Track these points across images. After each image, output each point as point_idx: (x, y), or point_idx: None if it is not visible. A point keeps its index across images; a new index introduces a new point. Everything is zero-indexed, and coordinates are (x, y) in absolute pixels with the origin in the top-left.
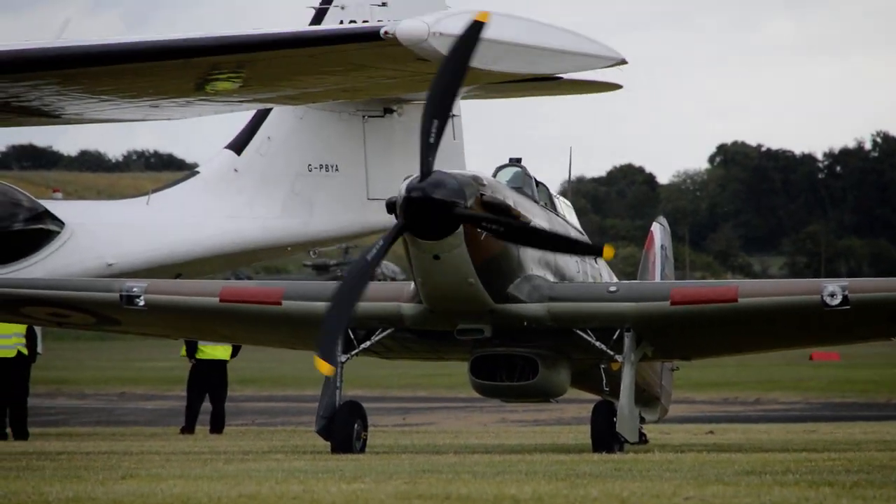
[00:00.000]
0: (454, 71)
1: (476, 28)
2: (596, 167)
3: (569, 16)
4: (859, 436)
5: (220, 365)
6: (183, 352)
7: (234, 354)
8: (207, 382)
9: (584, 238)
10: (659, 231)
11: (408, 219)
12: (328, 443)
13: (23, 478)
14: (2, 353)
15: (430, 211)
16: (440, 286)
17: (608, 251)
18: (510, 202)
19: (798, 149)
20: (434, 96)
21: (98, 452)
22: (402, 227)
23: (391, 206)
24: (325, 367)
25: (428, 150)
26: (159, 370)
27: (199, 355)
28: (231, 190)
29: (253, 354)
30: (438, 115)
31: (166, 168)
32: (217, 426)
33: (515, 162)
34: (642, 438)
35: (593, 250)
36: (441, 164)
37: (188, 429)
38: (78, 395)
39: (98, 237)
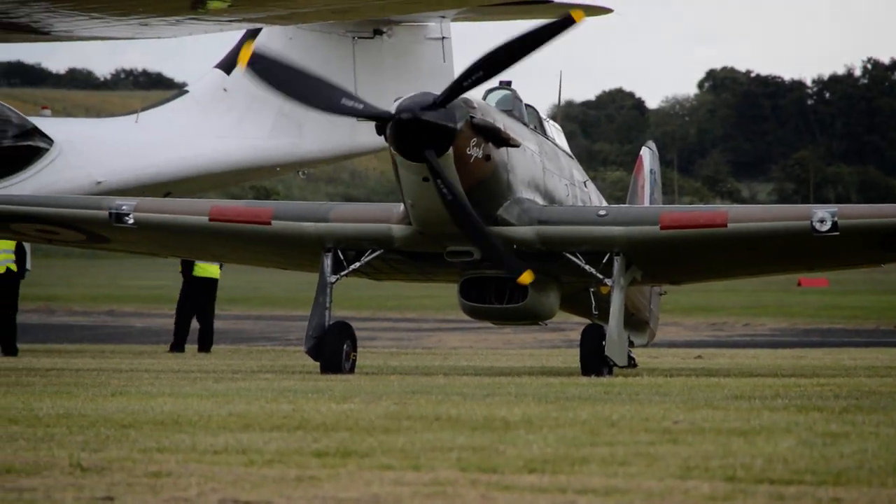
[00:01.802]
0: (526, 47)
1: (567, 23)
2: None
3: None
4: (848, 362)
5: (212, 283)
6: (180, 267)
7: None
8: (197, 301)
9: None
10: (648, 156)
11: (397, 140)
12: (317, 363)
13: (13, 393)
14: None
15: (419, 132)
16: (430, 208)
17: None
18: (500, 125)
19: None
20: (498, 54)
21: (88, 370)
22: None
23: (381, 128)
24: (527, 277)
25: (455, 88)
26: (148, 289)
27: (197, 272)
28: (220, 109)
29: (242, 275)
30: (487, 71)
31: (155, 87)
32: (205, 345)
33: (505, 85)
34: (631, 362)
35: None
36: (431, 86)
37: (177, 347)
38: (67, 313)
39: (86, 155)
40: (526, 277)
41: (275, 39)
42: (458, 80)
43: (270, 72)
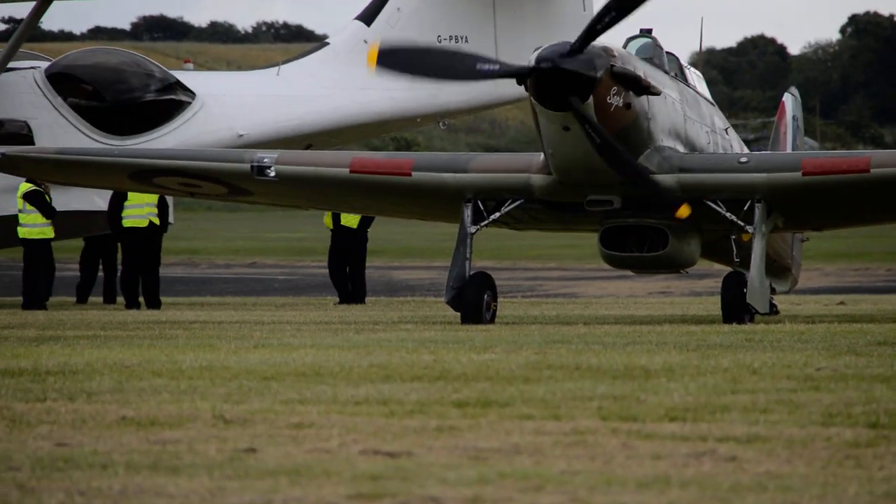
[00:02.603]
0: None
1: None
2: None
3: None
4: None
5: (354, 233)
6: (328, 221)
7: (366, 226)
8: (345, 251)
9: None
10: (790, 102)
11: (538, 89)
12: (458, 313)
13: (157, 346)
14: (134, 222)
15: (559, 81)
16: (570, 157)
17: (684, 210)
18: (640, 73)
19: None
20: None
21: (230, 322)
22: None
23: (521, 78)
24: (684, 210)
25: (590, 32)
26: (290, 241)
27: (344, 221)
28: (361, 61)
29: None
30: (619, 11)
31: (296, 39)
32: (357, 297)
33: (646, 33)
34: (773, 309)
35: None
36: (572, 36)
37: (344, 299)
38: (209, 266)
39: (228, 108)
40: (683, 211)
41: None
42: (591, 23)
43: (402, 61)
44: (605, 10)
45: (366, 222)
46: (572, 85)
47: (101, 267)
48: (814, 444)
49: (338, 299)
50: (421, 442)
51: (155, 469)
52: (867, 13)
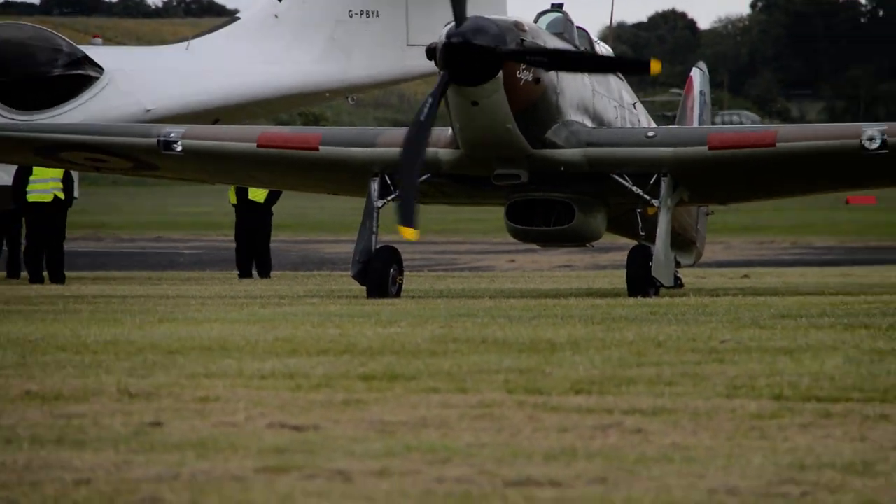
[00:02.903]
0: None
1: (642, 67)
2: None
3: None
4: (895, 279)
5: (260, 208)
6: (231, 196)
7: (274, 200)
8: (251, 228)
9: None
10: (698, 76)
11: (448, 64)
12: (364, 287)
13: (61, 321)
14: (39, 196)
15: (470, 56)
16: (478, 131)
17: (655, 65)
18: (551, 48)
19: None
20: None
21: (134, 296)
22: (448, 80)
23: (431, 52)
24: (409, 234)
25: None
26: (195, 215)
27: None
28: (270, 36)
29: (290, 200)
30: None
31: (206, 14)
32: (263, 271)
33: (557, 7)
34: (678, 282)
35: (640, 66)
36: (482, 10)
37: (243, 273)
38: (114, 240)
39: (136, 83)
40: (654, 66)
41: None
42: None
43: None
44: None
45: (272, 197)
46: (481, 60)
47: (4, 241)
48: (718, 416)
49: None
50: (327, 415)
51: (60, 443)
52: None
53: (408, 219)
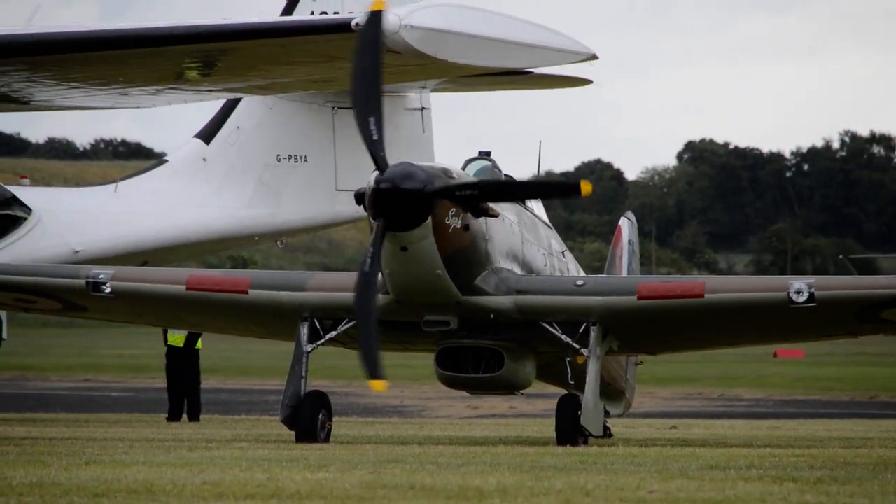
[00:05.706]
0: (371, 65)
1: (375, 17)
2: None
3: (540, 11)
4: (822, 433)
5: (181, 351)
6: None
7: (192, 343)
8: (179, 369)
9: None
10: (627, 226)
11: (377, 209)
12: (293, 432)
13: None
14: None
15: (399, 200)
16: (407, 277)
17: (585, 186)
18: (478, 180)
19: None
20: (360, 95)
21: (62, 438)
22: (384, 228)
23: (360, 198)
24: (379, 386)
25: (375, 147)
26: (124, 358)
27: (170, 341)
28: (199, 179)
29: (218, 344)
30: (372, 112)
31: (134, 157)
32: (192, 414)
33: (485, 155)
34: (606, 432)
35: (570, 189)
36: (410, 156)
37: (172, 416)
38: (42, 382)
39: (65, 224)
40: (585, 188)
41: (255, 109)
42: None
43: None
44: (363, 121)
45: (192, 339)
46: (410, 205)
47: None
48: None
49: (167, 415)
50: None
51: None
52: (703, 140)
53: (374, 371)
